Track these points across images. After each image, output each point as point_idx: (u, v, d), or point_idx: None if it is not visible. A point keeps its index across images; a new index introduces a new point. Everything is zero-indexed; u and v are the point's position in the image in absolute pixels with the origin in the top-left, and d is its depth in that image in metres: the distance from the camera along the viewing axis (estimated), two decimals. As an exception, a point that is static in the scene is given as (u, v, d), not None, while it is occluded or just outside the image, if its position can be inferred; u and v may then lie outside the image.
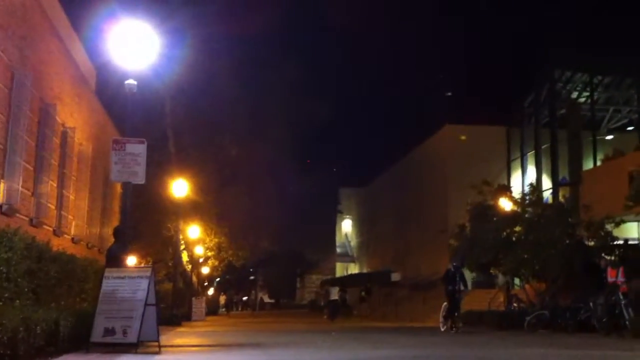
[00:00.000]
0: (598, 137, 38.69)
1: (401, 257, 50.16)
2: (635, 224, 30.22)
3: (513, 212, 23.94)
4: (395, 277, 42.46)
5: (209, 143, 32.28)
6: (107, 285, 10.24)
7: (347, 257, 73.10)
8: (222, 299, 63.18)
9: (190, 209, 29.86)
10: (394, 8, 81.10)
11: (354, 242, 72.99)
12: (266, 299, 74.09)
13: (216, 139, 32.54)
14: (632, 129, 39.86)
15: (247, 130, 33.57)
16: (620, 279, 16.89)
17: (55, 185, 15.22)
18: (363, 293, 41.02)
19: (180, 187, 24.42)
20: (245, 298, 73.39)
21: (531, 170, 40.36)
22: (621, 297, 16.49)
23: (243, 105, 33.13)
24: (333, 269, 72.21)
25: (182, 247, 30.31)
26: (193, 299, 30.60)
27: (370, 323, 28.54)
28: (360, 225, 70.31)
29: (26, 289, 9.07)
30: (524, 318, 20.38)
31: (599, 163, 36.64)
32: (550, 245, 21.30)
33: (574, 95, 40.68)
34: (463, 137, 40.61)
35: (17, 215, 12.25)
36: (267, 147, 35.06)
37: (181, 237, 28.11)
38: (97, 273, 12.51)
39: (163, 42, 14.48)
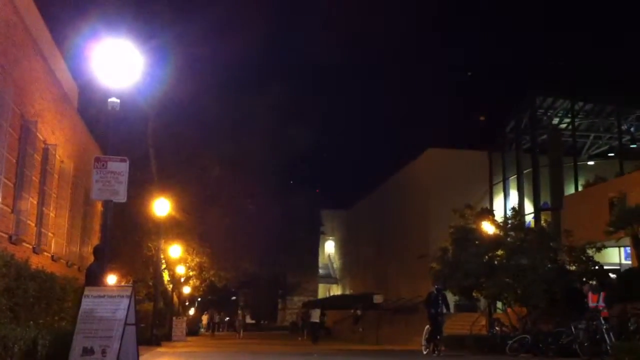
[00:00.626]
0: (579, 163, 39.09)
1: (383, 279, 50.11)
2: (616, 249, 30.46)
3: (495, 236, 24.02)
4: (378, 299, 42.34)
5: (191, 163, 32.17)
6: (86, 304, 10.09)
7: (329, 279, 72.91)
8: (205, 318, 62.67)
9: (172, 229, 29.66)
10: (377, 34, 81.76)
11: (336, 264, 72.85)
12: (247, 320, 73.57)
13: (198, 159, 32.44)
14: (613, 156, 40.29)
15: (230, 150, 33.49)
16: (602, 304, 16.96)
17: (35, 202, 15.05)
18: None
19: (161, 206, 24.25)
20: (227, 319, 72.80)
21: (513, 195, 40.65)
22: (603, 322, 16.55)
23: (226, 125, 33.10)
24: (315, 291, 71.94)
25: (163, 266, 30.06)
26: (174, 318, 30.28)
27: (351, 346, 28.36)
28: (343, 247, 70.26)
29: (4, 307, 8.92)
30: (506, 342, 20.38)
31: (580, 189, 36.99)
32: (532, 269, 21.37)
33: (555, 121, 41.13)
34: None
35: (-4, 232, 12.09)
36: (250, 168, 34.98)
37: (162, 256, 27.86)
38: (76, 291, 12.35)
39: (146, 61, 14.44)
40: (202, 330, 56.26)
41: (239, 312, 61.52)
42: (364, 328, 37.50)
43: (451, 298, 25.63)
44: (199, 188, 32.95)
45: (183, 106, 30.89)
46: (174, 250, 30.44)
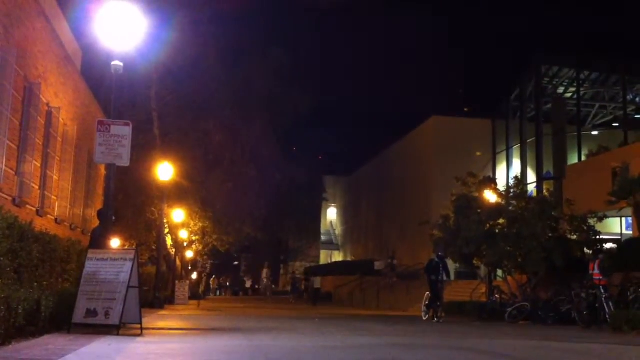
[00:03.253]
0: (583, 133, 38.93)
1: (385, 246, 50.32)
2: (617, 219, 30.53)
3: (497, 205, 24.05)
4: (379, 265, 42.58)
5: (194, 127, 32.15)
6: (89, 266, 10.19)
7: (331, 245, 73.26)
8: (213, 282, 63.32)
9: (175, 193, 29.77)
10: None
11: (338, 230, 73.13)
12: (248, 285, 74.23)
13: (201, 123, 32.40)
14: (617, 126, 40.12)
15: (233, 115, 33.43)
16: (597, 271, 17.06)
17: (39, 165, 15.09)
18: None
19: (165, 171, 24.30)
20: (228, 283, 73.52)
21: (516, 164, 40.60)
22: (602, 290, 16.67)
23: (229, 90, 32.97)
24: (317, 257, 72.35)
25: (166, 230, 30.22)
26: (176, 282, 30.55)
27: (352, 311, 28.65)
28: (345, 214, 70.46)
29: (8, 269, 8.99)
30: (505, 310, 20.56)
31: (583, 158, 36.91)
32: (533, 238, 21.43)
33: (560, 90, 40.89)
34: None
35: (0, 194, 12.15)
36: (253, 134, 34.94)
37: (165, 220, 28.00)
38: (79, 254, 12.46)
39: (149, 23, 14.37)
40: (210, 294, 56.93)
41: (265, 271, 57.58)
42: (363, 294, 37.80)
43: (452, 265, 25.78)
44: (202, 152, 33.01)
45: (186, 70, 30.78)
46: (177, 214, 30.59)
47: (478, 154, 41.25)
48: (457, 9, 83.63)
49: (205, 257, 38.13)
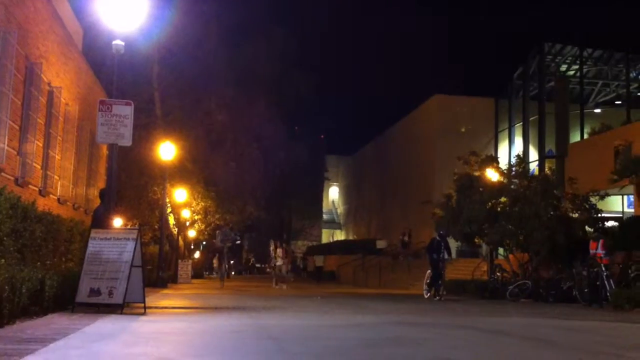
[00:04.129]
0: (586, 111, 38.86)
1: (387, 225, 50.42)
2: (619, 197, 30.54)
3: (499, 184, 24.06)
4: (380, 244, 42.67)
5: (196, 107, 32.09)
6: (93, 246, 10.25)
7: (333, 224, 73.38)
8: (216, 261, 63.44)
9: (177, 173, 29.78)
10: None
11: (340, 210, 73.23)
12: (255, 263, 74.61)
13: (203, 103, 32.34)
14: (620, 104, 40.01)
15: (235, 95, 33.36)
16: (600, 251, 17.12)
17: (41, 145, 15.12)
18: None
19: (167, 150, 24.30)
20: (232, 262, 73.75)
21: (518, 142, 40.55)
22: (603, 269, 16.74)
23: (231, 70, 32.87)
24: (319, 236, 72.51)
25: (169, 210, 30.28)
26: (179, 261, 30.68)
27: (354, 289, 28.79)
28: (347, 193, 70.52)
29: (12, 249, 9.05)
30: (506, 288, 20.66)
31: (585, 137, 36.85)
32: (534, 217, 21.47)
33: (563, 68, 40.73)
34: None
35: (3, 174, 12.19)
36: (255, 113, 34.88)
37: (167, 200, 28.06)
38: (83, 234, 12.52)
39: (151, 3, 14.32)
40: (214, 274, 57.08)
41: (279, 250, 43.55)
42: (365, 272, 37.95)
43: (453, 244, 25.85)
44: (204, 132, 32.98)
45: (188, 50, 30.66)
46: (179, 194, 30.61)
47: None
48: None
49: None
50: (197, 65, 31.11)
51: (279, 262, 27.10)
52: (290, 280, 33.37)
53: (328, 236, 72.46)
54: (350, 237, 63.16)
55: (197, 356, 5.71)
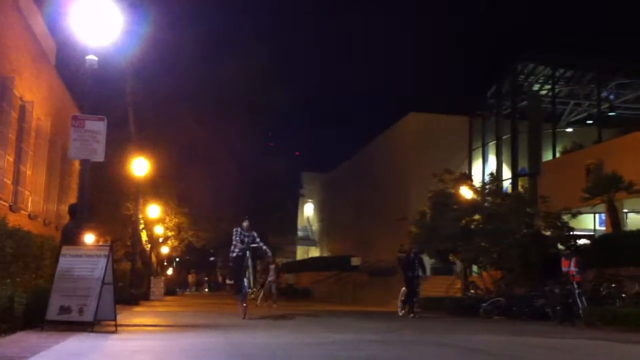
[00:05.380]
0: (558, 130, 39.32)
1: (362, 242, 50.45)
2: (591, 215, 30.89)
3: (473, 201, 24.24)
4: (355, 261, 42.69)
5: (171, 123, 31.95)
6: (64, 262, 10.10)
7: (308, 241, 73.26)
8: (191, 277, 62.99)
9: (151, 189, 29.58)
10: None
11: (315, 226, 73.16)
12: (228, 281, 74.12)
13: (178, 119, 32.22)
14: (592, 123, 40.57)
15: (210, 111, 33.29)
16: (573, 269, 17.26)
17: (12, 160, 14.90)
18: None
19: (140, 166, 24.13)
20: (206, 278, 73.31)
21: (492, 160, 40.91)
22: (575, 286, 16.88)
23: (206, 86, 32.82)
24: (294, 252, 72.33)
25: (142, 226, 30.02)
26: (152, 278, 30.38)
27: (329, 307, 28.69)
28: (323, 210, 70.51)
29: (-20, 265, 8.88)
30: (480, 305, 20.73)
31: (558, 155, 37.29)
32: (508, 234, 21.63)
33: (536, 87, 41.24)
34: None
35: (-28, 189, 11.99)
36: (230, 130, 34.82)
37: (140, 216, 27.82)
38: (53, 250, 12.32)
39: (126, 18, 14.25)
40: (189, 290, 56.62)
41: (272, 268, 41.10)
42: (339, 290, 37.91)
43: (428, 261, 25.94)
44: (179, 148, 32.82)
45: (163, 65, 30.57)
46: (153, 210, 30.41)
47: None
48: (435, 7, 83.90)
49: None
50: (172, 80, 31.02)
51: (271, 278, 26.25)
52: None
53: (303, 253, 72.31)
54: (325, 254, 63.08)
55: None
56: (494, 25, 78.38)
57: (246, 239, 15.42)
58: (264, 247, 15.93)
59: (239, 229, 15.55)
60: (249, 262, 15.27)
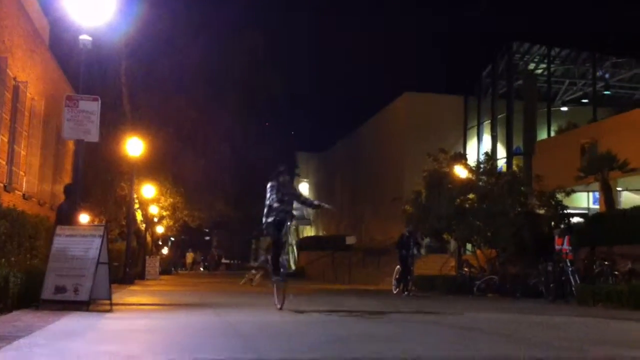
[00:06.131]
0: (553, 109, 39.38)
1: (357, 221, 50.59)
2: (585, 194, 31.03)
3: (467, 180, 24.29)
4: (349, 240, 42.83)
5: (166, 104, 31.82)
6: (58, 242, 10.12)
7: (303, 220, 73.33)
8: (190, 257, 63.15)
9: (145, 169, 29.53)
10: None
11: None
12: (223, 260, 74.47)
13: (173, 99, 32.07)
14: (587, 102, 40.63)
15: (205, 91, 33.14)
16: (566, 247, 17.38)
17: (6, 140, 14.88)
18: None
19: (135, 146, 24.07)
20: (202, 257, 73.61)
21: (487, 140, 40.97)
22: (568, 264, 17.00)
23: (201, 66, 32.64)
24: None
25: (136, 206, 30.03)
26: (147, 257, 30.45)
27: (324, 286, 28.84)
28: (318, 190, 70.58)
29: (-25, 245, 8.91)
30: (474, 283, 20.88)
31: (553, 134, 37.35)
32: (502, 213, 21.72)
33: (531, 67, 41.22)
34: None
35: (-34, 170, 11.99)
36: (225, 110, 34.70)
37: (135, 196, 27.81)
38: (48, 230, 12.35)
39: (120, -3, 14.16)
40: (185, 269, 56.70)
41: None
42: (335, 268, 38.02)
43: (423, 241, 26.05)
44: (174, 129, 32.74)
45: (158, 46, 30.40)
46: (147, 190, 30.39)
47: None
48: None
49: None
50: (167, 61, 30.86)
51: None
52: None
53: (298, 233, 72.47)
54: (320, 234, 63.26)
55: (163, 354, 5.67)
56: (490, 5, 77.93)
57: (286, 198, 11.30)
58: (316, 202, 12.95)
59: (275, 184, 11.28)
60: (291, 234, 11.13)
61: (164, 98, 31.43)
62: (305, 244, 53.31)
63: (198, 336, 7.21)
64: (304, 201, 12.07)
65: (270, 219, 11.14)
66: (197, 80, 32.53)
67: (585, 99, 42.20)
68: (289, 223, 11.06)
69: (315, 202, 12.85)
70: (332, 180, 63.02)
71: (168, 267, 42.31)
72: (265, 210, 11.28)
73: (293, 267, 11.24)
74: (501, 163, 37.27)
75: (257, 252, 35.28)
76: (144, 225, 32.27)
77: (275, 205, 11.12)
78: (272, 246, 11.30)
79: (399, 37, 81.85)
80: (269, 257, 11.55)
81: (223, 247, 76.48)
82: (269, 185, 11.36)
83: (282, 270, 11.01)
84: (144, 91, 30.77)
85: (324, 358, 5.32)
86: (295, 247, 11.12)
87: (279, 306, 11.22)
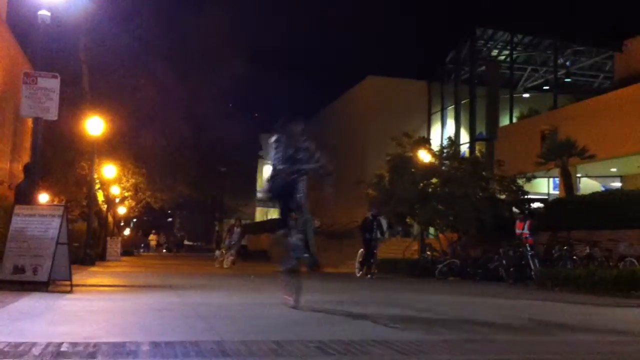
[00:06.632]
0: (515, 96, 39.77)
1: (320, 204, 50.68)
2: (545, 180, 31.52)
3: (431, 165, 24.47)
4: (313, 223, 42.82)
5: (126, 82, 31.29)
6: (16, 222, 9.92)
7: (268, 203, 73.31)
8: (153, 238, 62.58)
9: (106, 148, 29.07)
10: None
11: (274, 189, 73.17)
12: (186, 241, 74.02)
13: (134, 77, 31.55)
14: (548, 89, 41.12)
15: (166, 70, 32.67)
16: (526, 231, 17.66)
17: (-39, 117, 14.50)
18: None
19: (95, 125, 23.62)
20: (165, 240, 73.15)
21: (450, 125, 41.27)
22: (528, 248, 17.27)
23: (163, 44, 32.17)
24: (253, 214, 72.34)
25: (98, 186, 29.58)
26: (108, 239, 30.09)
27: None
28: (281, 172, 70.48)
29: None
30: (435, 266, 21.10)
31: (515, 121, 37.77)
32: (464, 198, 21.94)
33: (494, 53, 41.52)
34: None
35: None
36: (188, 90, 34.31)
37: (96, 176, 27.38)
38: (7, 210, 12.09)
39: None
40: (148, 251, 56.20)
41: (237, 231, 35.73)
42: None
43: (386, 224, 26.22)
44: (134, 108, 32.23)
45: (118, 22, 29.84)
46: (109, 170, 29.93)
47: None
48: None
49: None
50: (128, 38, 30.32)
51: (234, 242, 26.70)
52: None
53: (263, 214, 72.35)
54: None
55: (122, 335, 5.59)
56: (454, -10, 78.30)
57: (300, 156, 8.38)
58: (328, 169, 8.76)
59: (282, 137, 8.34)
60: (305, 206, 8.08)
61: (124, 76, 30.90)
62: (269, 227, 53.27)
63: (158, 318, 7.14)
64: (320, 166, 8.63)
65: (273, 184, 8.30)
66: (157, 59, 32.05)
67: (546, 85, 42.70)
68: (301, 190, 8.04)
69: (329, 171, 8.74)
70: (296, 163, 62.95)
71: (130, 249, 41.87)
72: (271, 172, 8.43)
73: (314, 250, 8.23)
74: (464, 148, 37.61)
75: (219, 236, 34.76)
76: (105, 205, 31.84)
77: (280, 167, 8.12)
78: (278, 220, 8.59)
79: (364, 21, 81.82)
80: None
81: (186, 228, 76.03)
82: (272, 140, 8.42)
83: (299, 256, 8.12)
84: (104, 68, 30.21)
85: (282, 340, 5.30)
86: (310, 226, 8.17)
87: (293, 304, 8.17)
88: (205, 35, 33.69)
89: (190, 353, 4.67)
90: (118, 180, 32.56)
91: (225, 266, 25.58)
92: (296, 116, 8.60)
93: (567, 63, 41.05)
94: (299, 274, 8.30)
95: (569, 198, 21.80)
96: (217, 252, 28.74)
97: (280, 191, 8.17)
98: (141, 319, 7.04)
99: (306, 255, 8.05)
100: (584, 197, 20.85)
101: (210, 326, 6.39)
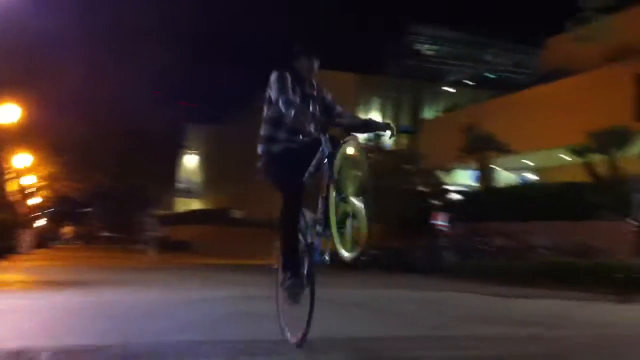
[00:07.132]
0: (440, 90, 40.45)
1: (244, 196, 50.27)
2: (468, 172, 32.16)
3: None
4: (235, 214, 42.46)
5: (43, 67, 29.96)
6: None
7: (190, 194, 72.26)
8: (68, 230, 60.68)
9: (21, 136, 27.85)
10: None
11: (198, 179, 72.20)
12: (105, 233, 72.00)
13: (51, 62, 30.25)
14: (471, 85, 41.99)
15: (89, 55, 31.46)
16: (443, 222, 17.89)
17: None
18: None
19: (8, 112, 22.56)
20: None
21: (376, 118, 41.61)
22: (443, 240, 17.50)
23: (84, 28, 30.95)
24: (174, 205, 71.28)
25: (10, 175, 28.33)
26: (20, 231, 28.93)
27: (209, 260, 28.45)
28: (208, 163, 69.59)
29: None
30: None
31: (438, 114, 38.42)
32: (387, 190, 22.07)
33: (421, 47, 42.08)
34: None
35: None
36: (108, 76, 33.12)
37: (7, 165, 26.21)
38: None
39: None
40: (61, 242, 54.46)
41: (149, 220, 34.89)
42: (217, 243, 37.57)
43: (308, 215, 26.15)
44: (51, 94, 30.96)
45: (37, 4, 28.52)
46: (23, 159, 28.72)
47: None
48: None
49: None
50: (45, 21, 29.00)
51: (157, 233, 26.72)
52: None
53: (184, 205, 71.35)
54: (208, 207, 62.52)
55: (30, 338, 5.24)
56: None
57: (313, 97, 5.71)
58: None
59: (285, 74, 5.37)
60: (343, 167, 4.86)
61: (40, 60, 29.56)
62: (189, 218, 52.60)
63: (68, 318, 6.81)
64: (339, 113, 5.75)
65: (279, 147, 5.36)
66: (79, 40, 30.77)
67: (469, 80, 43.55)
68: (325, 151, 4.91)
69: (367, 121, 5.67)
70: (222, 153, 62.23)
71: (44, 241, 40.46)
72: (264, 130, 5.59)
73: (334, 229, 4.91)
74: (389, 141, 37.94)
75: (140, 228, 33.85)
76: (19, 196, 30.59)
77: (292, 110, 4.99)
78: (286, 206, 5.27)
79: (295, 10, 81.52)
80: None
81: (104, 219, 74.11)
82: (272, 77, 5.37)
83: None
84: (18, 52, 28.83)
85: (190, 340, 5.13)
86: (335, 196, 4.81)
87: (294, 342, 5.19)
88: (137, 20, 32.59)
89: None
90: (33, 170, 31.32)
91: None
92: (312, 47, 5.55)
93: (491, 59, 42.02)
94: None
95: (486, 190, 22.23)
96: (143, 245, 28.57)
97: (289, 158, 5.08)
98: (50, 319, 6.72)
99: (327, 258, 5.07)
100: (500, 189, 21.34)
101: (118, 326, 6.12)
